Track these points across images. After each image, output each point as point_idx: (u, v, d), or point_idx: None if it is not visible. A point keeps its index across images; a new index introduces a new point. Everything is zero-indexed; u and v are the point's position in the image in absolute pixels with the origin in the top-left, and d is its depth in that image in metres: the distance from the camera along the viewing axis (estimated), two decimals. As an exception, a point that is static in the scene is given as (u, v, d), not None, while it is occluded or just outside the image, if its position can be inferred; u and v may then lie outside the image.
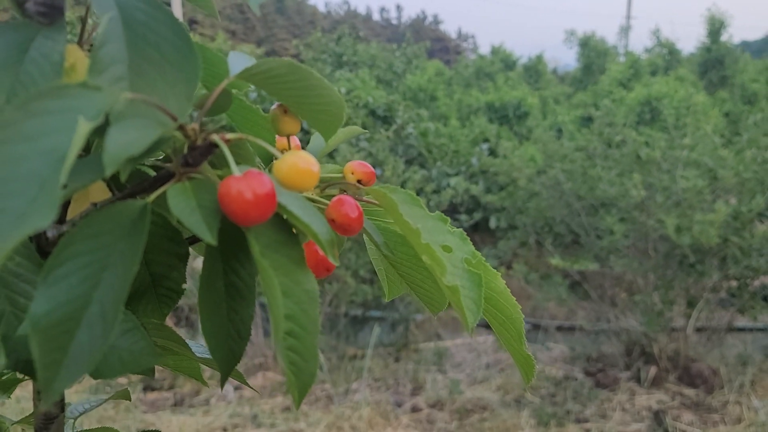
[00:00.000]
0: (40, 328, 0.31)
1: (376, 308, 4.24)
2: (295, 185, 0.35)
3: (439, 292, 0.48)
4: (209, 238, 0.33)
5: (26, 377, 0.41)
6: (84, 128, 0.28)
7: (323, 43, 9.10)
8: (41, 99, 0.30)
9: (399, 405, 3.18)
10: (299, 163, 0.35)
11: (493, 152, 5.62)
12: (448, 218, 0.44)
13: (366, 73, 7.02)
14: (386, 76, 8.40)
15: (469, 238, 0.43)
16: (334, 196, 0.47)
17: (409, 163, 5.48)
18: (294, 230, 0.41)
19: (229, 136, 0.36)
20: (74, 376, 0.31)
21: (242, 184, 0.33)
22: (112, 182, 0.42)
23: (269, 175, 0.36)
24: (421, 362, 3.72)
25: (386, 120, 5.81)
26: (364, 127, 5.48)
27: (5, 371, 0.41)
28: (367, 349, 3.66)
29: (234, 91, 0.47)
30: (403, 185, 4.41)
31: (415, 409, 3.14)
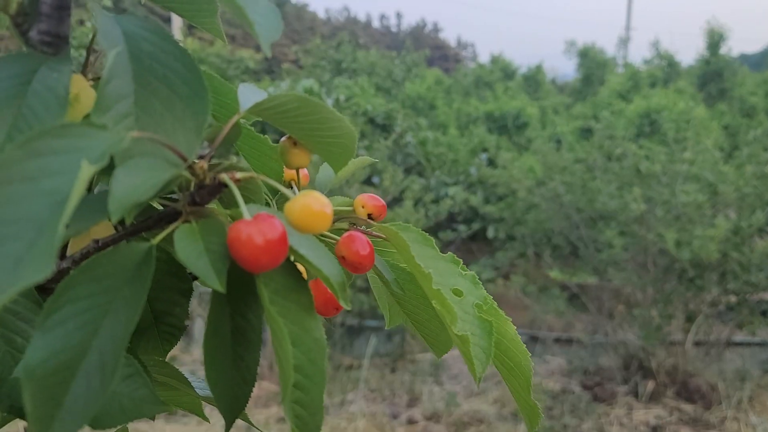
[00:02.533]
0: (34, 378, 0.29)
1: (372, 318, 4.21)
2: (308, 228, 0.34)
3: (445, 334, 0.46)
4: (217, 285, 0.31)
5: (14, 417, 0.40)
6: (87, 172, 0.27)
7: (322, 49, 9.11)
8: (44, 138, 0.29)
9: (395, 417, 3.16)
10: (313, 204, 0.33)
11: (492, 162, 5.62)
12: (460, 260, 0.42)
13: (365, 81, 7.03)
14: (385, 83, 8.41)
15: (481, 283, 0.42)
16: (342, 229, 0.46)
17: (407, 171, 5.47)
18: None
19: (239, 175, 0.34)
20: (69, 430, 0.29)
21: (252, 228, 0.31)
22: (115, 216, 0.41)
23: (280, 216, 0.34)
24: (417, 373, 3.70)
25: (385, 128, 5.81)
26: (363, 135, 5.47)
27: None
28: (364, 359, 3.64)
29: (242, 121, 0.46)
30: (401, 194, 4.39)
31: (411, 422, 3.11)
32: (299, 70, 8.66)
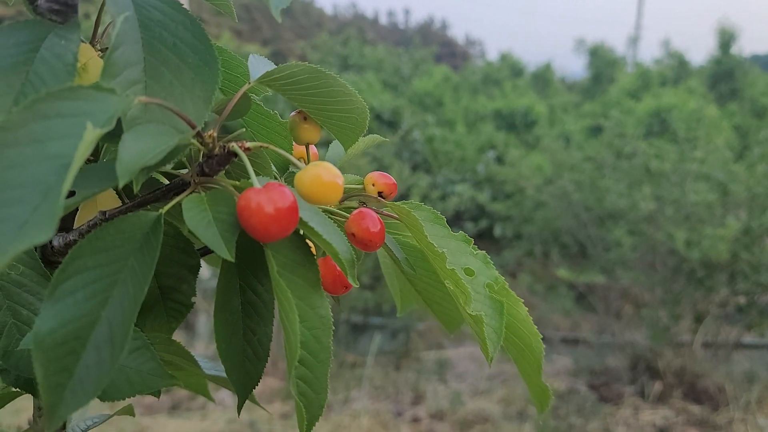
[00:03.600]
0: (44, 347, 0.29)
1: (377, 315, 4.21)
2: (318, 199, 0.33)
3: (457, 311, 0.45)
4: (226, 254, 0.31)
5: (20, 393, 0.39)
6: (91, 135, 0.26)
7: (329, 45, 9.09)
8: (51, 100, 0.28)
9: (399, 415, 3.15)
10: (323, 175, 0.32)
11: (500, 160, 5.60)
12: (472, 239, 0.42)
13: (372, 77, 7.01)
14: (392, 80, 8.40)
15: (492, 262, 0.41)
16: (352, 208, 0.45)
17: (414, 168, 5.46)
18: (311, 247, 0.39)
19: (249, 144, 0.34)
20: (80, 401, 0.29)
21: (263, 196, 0.31)
22: (123, 189, 0.40)
23: (290, 188, 0.34)
24: (422, 371, 3.69)
25: (392, 125, 5.79)
26: (370, 131, 5.44)
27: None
28: (368, 356, 3.63)
29: (251, 95, 0.45)
30: (408, 191, 4.38)
31: (415, 420, 3.10)
32: (306, 66, 8.62)
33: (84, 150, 0.26)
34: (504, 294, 0.41)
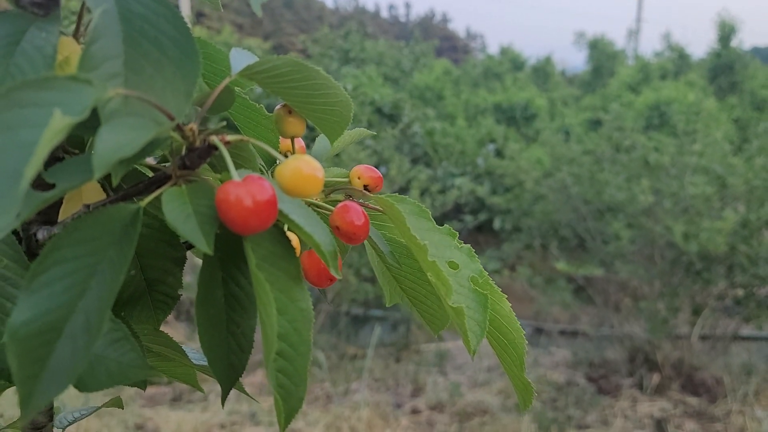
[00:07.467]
0: (19, 339, 0.29)
1: (378, 307, 4.22)
2: (298, 191, 0.33)
3: (441, 311, 0.46)
4: (205, 246, 0.31)
5: (11, 385, 0.39)
6: (58, 122, 0.26)
7: (331, 38, 9.06)
8: (26, 89, 0.28)
9: (399, 406, 3.17)
10: (303, 168, 0.33)
11: (499, 153, 5.59)
12: (456, 233, 0.42)
13: (373, 70, 6.99)
14: (393, 73, 8.37)
15: (476, 256, 0.41)
16: (338, 201, 0.45)
17: (414, 162, 5.45)
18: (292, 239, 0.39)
19: (230, 137, 0.34)
20: (53, 391, 0.29)
21: (241, 189, 0.31)
22: (107, 182, 0.40)
23: (271, 181, 0.34)
24: (421, 363, 3.70)
25: (392, 118, 5.78)
26: (370, 125, 5.44)
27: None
28: (368, 348, 3.65)
29: (237, 89, 0.45)
30: (408, 184, 4.38)
31: (414, 411, 3.12)
32: (307, 59, 8.61)
33: (50, 137, 0.26)
34: (488, 288, 0.41)
